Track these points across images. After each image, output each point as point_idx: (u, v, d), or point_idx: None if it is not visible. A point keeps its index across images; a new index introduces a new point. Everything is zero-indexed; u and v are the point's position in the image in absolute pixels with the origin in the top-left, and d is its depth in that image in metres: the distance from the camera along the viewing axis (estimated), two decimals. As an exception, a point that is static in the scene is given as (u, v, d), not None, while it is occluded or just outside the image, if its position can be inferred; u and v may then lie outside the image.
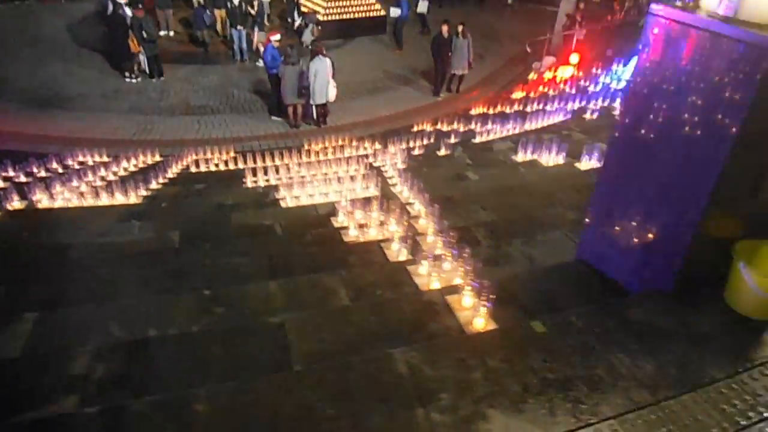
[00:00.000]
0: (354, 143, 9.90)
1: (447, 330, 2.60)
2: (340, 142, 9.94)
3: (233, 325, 2.71)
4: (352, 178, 6.35)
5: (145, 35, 12.60)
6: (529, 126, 9.41)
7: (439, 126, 10.88)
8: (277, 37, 11.79)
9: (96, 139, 10.63)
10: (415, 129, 11.09)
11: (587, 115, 9.39)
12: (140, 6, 12.86)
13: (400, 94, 14.31)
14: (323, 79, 11.42)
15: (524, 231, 3.87)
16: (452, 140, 9.13)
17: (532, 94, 12.66)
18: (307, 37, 16.06)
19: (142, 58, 13.15)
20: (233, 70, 14.63)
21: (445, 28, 13.01)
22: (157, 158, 9.29)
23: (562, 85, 12.60)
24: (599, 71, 12.76)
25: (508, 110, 11.60)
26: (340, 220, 4.59)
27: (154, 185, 6.96)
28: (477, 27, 18.39)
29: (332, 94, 11.82)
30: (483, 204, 4.86)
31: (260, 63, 13.39)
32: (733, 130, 2.17)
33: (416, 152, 8.57)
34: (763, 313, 2.48)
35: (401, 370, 2.14)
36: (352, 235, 4.20)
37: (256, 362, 2.39)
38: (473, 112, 12.30)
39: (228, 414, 1.96)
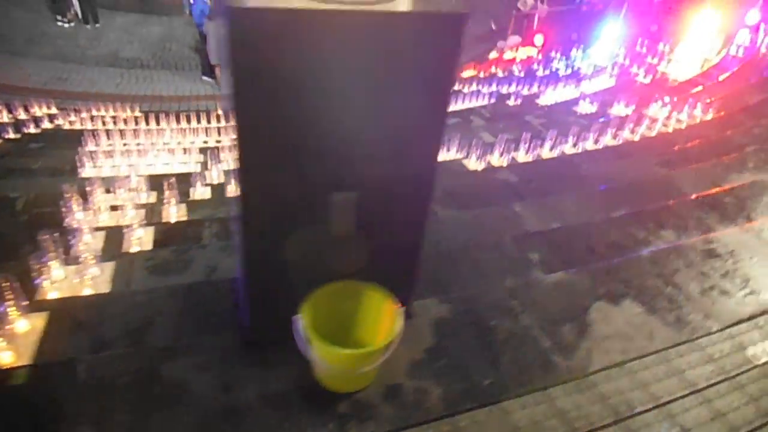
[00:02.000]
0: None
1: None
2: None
3: None
4: (185, 150, 5.72)
5: (76, -22, 11.88)
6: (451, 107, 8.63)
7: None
8: (204, -13, 10.97)
9: (1, 84, 10.05)
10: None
11: (510, 101, 8.59)
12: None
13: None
14: (252, 40, 10.68)
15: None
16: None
17: (481, 74, 11.86)
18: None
19: (75, 1, 12.41)
20: (179, 23, 13.86)
21: None
22: (52, 110, 8.72)
23: (514, 67, 11.73)
24: (556, 55, 11.84)
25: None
26: (96, 199, 3.98)
27: (-10, 140, 6.38)
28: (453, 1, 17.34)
29: (262, 57, 11.09)
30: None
31: (202, 18, 12.61)
32: (241, 130, 1.50)
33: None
34: (335, 385, 1.86)
35: None
36: (77, 218, 3.60)
37: None
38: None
39: None
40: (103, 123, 7.83)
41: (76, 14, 12.61)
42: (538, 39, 13.12)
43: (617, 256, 2.87)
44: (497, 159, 5.16)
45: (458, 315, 2.24)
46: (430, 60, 1.59)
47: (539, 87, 9.13)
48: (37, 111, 8.48)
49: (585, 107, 7.41)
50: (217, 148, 5.94)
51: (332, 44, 1.43)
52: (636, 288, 2.47)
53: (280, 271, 1.81)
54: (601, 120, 6.47)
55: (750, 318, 2.36)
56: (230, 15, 1.30)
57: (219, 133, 6.65)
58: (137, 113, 9.07)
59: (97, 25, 12.79)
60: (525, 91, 9.16)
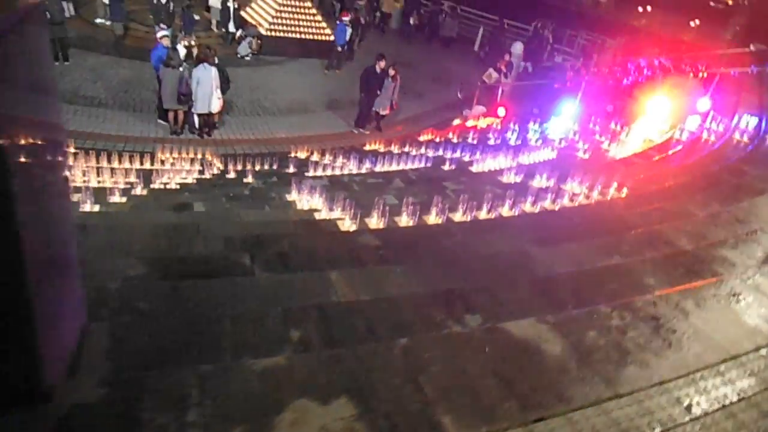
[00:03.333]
0: (197, 159, 9.06)
1: None
2: (174, 155, 9.07)
3: None
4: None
5: (48, 16, 12.04)
6: (379, 167, 8.46)
7: (312, 155, 10.02)
8: (163, 33, 11.06)
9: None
10: (291, 155, 10.27)
11: (445, 166, 8.40)
12: (49, -13, 12.35)
13: (317, 119, 13.49)
14: (206, 89, 10.69)
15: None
16: (290, 170, 8.27)
17: (437, 139, 11.80)
18: (244, 49, 15.51)
19: (46, 39, 12.56)
20: (150, 67, 13.98)
21: (381, 64, 12.06)
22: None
23: (471, 134, 11.67)
24: (514, 127, 11.82)
25: (396, 151, 10.69)
26: None
27: None
28: (432, 70, 17.66)
29: (215, 105, 11.06)
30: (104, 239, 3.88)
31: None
32: None
33: (230, 175, 7.68)
34: None
35: None
36: None
37: None
38: (367, 147, 11.45)
39: None
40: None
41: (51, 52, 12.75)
42: (501, 110, 13.16)
43: (396, 338, 2.47)
44: (375, 222, 4.84)
45: (109, 402, 1.82)
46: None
47: (481, 155, 8.97)
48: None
49: (510, 177, 7.18)
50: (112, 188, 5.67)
51: None
52: (364, 384, 2.06)
53: None
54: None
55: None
56: None
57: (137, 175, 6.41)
58: (71, 149, 8.95)
59: (66, 63, 12.92)
60: (466, 158, 9.02)
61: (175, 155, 9.10)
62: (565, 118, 11.55)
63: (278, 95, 14.16)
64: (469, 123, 13.30)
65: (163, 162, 8.22)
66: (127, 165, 7.73)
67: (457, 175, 7.55)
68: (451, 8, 21.18)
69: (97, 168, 6.60)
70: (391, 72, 12.20)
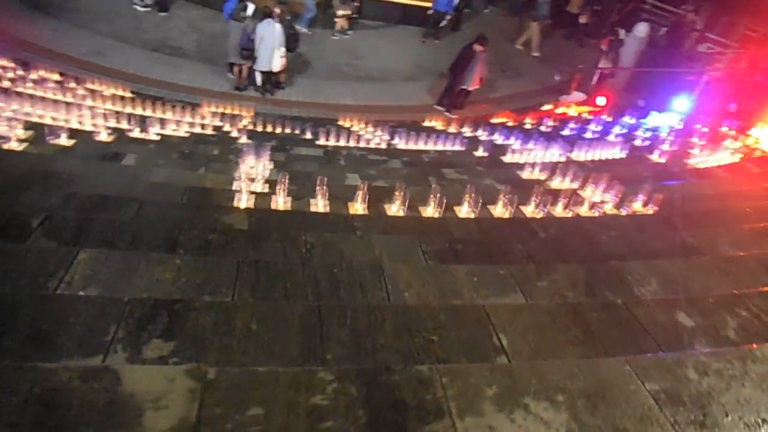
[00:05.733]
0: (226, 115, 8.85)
1: None
2: (213, 109, 8.92)
3: None
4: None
5: (151, -32, 12.66)
6: (403, 145, 7.52)
7: (354, 126, 9.33)
8: (236, -17, 10.88)
9: (44, 49, 10.82)
10: (340, 123, 9.68)
11: (478, 151, 7.18)
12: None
13: (392, 90, 12.68)
14: (269, 45, 10.40)
15: None
16: (306, 136, 7.70)
17: (509, 123, 10.38)
18: (337, 7, 15.03)
19: (155, -13, 13.17)
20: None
21: (478, 47, 10.71)
22: (54, 76, 9.24)
23: (546, 122, 10.04)
24: (604, 119, 9.98)
25: (452, 130, 9.55)
26: None
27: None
28: (544, 49, 15.65)
29: (277, 63, 10.73)
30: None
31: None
32: None
33: (233, 134, 7.30)
34: None
35: None
36: None
37: None
38: (425, 123, 10.46)
39: None
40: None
41: (156, 2, 13.39)
42: (600, 99, 11.23)
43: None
44: (279, 201, 4.02)
45: None
46: None
47: (533, 145, 7.55)
48: (44, 73, 9.05)
49: (533, 174, 5.84)
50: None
51: None
52: None
53: None
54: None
55: None
56: None
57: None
58: (127, 93, 9.28)
59: (163, 14, 13.45)
60: (516, 146, 7.67)
61: (214, 109, 8.95)
62: (673, 114, 9.46)
63: (362, 61, 13.53)
64: (559, 110, 11.55)
65: (196, 114, 8.04)
66: (148, 112, 7.68)
67: (474, 164, 6.33)
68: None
69: (98, 111, 6.53)
70: (479, 48, 10.74)
